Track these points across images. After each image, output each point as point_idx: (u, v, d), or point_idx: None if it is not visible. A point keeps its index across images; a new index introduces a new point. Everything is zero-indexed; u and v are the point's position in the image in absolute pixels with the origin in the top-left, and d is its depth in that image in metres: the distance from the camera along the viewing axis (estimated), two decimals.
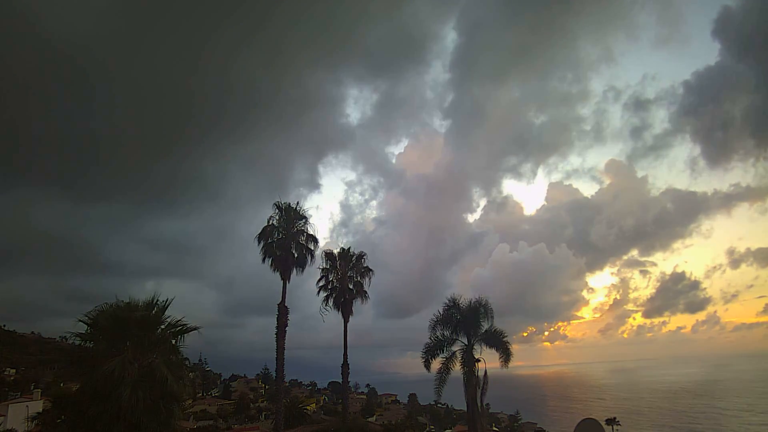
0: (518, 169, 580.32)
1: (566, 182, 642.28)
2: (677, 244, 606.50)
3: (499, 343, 20.82)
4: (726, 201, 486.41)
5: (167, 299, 14.84)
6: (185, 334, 14.92)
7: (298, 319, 27.69)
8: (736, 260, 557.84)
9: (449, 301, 21.65)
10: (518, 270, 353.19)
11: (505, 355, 20.83)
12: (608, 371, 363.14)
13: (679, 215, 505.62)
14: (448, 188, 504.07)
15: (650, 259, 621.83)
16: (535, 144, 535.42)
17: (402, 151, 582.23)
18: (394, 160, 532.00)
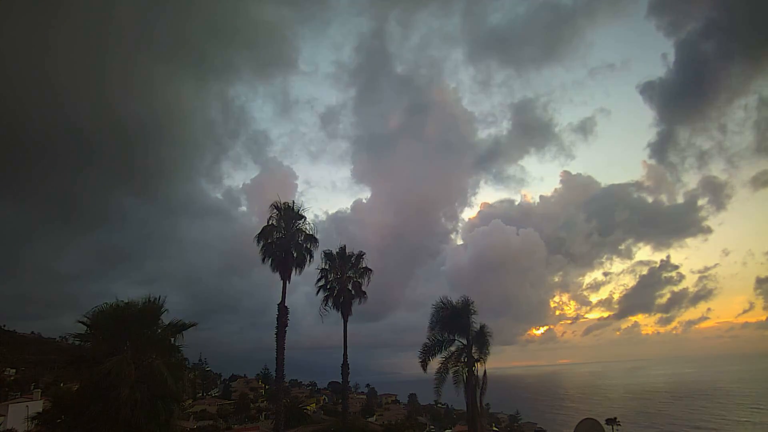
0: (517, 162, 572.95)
1: (573, 175, 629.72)
2: (678, 243, 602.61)
3: (484, 341, 20.92)
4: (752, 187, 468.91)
5: (159, 297, 14.87)
6: (183, 332, 14.96)
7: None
8: (745, 262, 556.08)
9: (443, 301, 21.74)
10: (509, 268, 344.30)
11: (485, 353, 20.93)
12: (605, 371, 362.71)
13: (682, 212, 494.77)
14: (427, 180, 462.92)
15: (647, 258, 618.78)
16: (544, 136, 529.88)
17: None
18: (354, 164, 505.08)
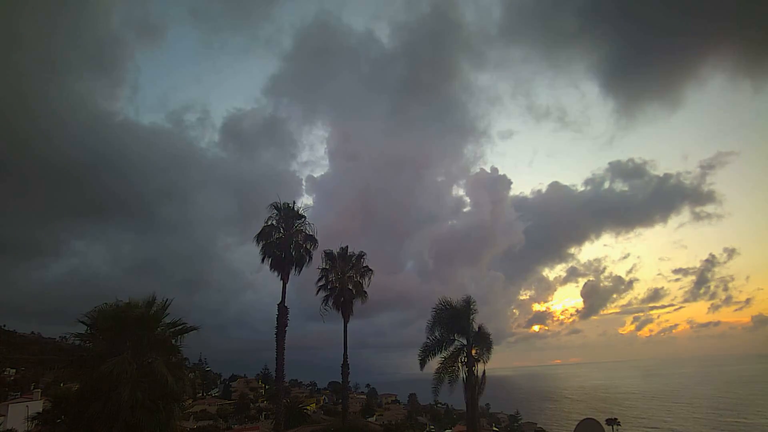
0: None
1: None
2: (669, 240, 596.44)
3: (486, 343, 20.92)
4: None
5: (166, 299, 14.86)
6: (184, 334, 14.96)
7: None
8: (736, 262, 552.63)
9: (443, 302, 21.73)
10: (487, 260, 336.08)
11: (487, 355, 20.96)
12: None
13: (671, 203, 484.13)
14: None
15: (640, 255, 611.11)
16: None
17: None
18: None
